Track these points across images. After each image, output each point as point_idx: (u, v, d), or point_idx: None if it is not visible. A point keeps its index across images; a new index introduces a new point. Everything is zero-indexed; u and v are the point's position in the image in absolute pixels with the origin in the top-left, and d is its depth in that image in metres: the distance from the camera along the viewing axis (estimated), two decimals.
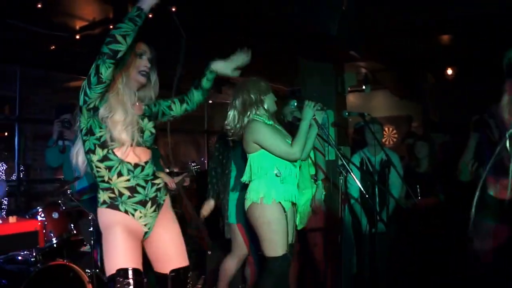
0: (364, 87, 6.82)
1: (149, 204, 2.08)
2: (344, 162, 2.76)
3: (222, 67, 2.41)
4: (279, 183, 2.67)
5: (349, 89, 5.41)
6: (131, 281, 1.90)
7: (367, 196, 3.16)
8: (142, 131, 2.07)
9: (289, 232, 2.69)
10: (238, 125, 2.77)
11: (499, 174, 2.09)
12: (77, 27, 4.79)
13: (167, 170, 4.02)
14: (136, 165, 2.04)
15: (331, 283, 3.61)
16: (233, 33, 4.47)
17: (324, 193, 3.57)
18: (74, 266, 2.88)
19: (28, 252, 2.94)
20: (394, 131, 8.24)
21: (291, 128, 3.03)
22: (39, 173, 6.11)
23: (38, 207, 3.23)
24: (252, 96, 2.75)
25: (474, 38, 4.89)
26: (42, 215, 3.20)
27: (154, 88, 2.22)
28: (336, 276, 3.52)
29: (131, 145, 2.01)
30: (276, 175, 2.66)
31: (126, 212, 2.04)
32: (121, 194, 2.03)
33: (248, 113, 2.75)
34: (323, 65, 5.01)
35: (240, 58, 2.46)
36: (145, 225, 2.09)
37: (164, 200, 2.19)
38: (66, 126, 3.52)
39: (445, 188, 4.15)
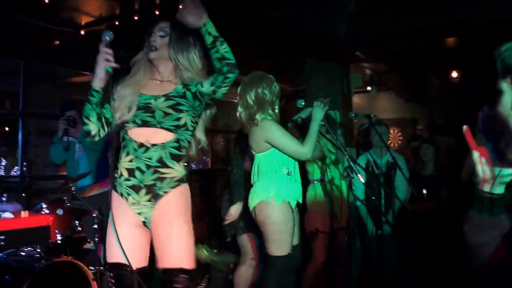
0: (369, 88, 6.81)
1: (143, 191, 1.94)
2: (351, 163, 2.75)
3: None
4: (289, 182, 2.67)
5: (354, 90, 5.40)
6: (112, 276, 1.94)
7: (373, 198, 3.14)
8: (151, 111, 1.97)
9: (295, 231, 2.72)
10: (250, 121, 2.70)
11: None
12: (83, 23, 4.79)
13: None
14: (141, 145, 1.95)
15: (337, 284, 3.60)
16: (236, 33, 4.45)
17: (317, 194, 3.51)
18: (79, 263, 2.84)
19: (32, 249, 2.90)
20: (399, 134, 8.15)
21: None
22: (41, 169, 6.09)
23: (42, 203, 3.22)
24: (266, 92, 2.69)
25: (479, 40, 4.88)
26: (47, 211, 3.18)
27: (191, 68, 2.03)
28: (342, 279, 3.51)
29: (138, 126, 1.97)
30: (288, 174, 2.67)
31: (121, 195, 1.98)
32: (121, 175, 1.98)
33: (264, 110, 2.69)
34: (329, 65, 5.00)
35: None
36: (139, 213, 1.96)
37: (165, 192, 1.96)
38: (71, 124, 3.50)
39: (450, 191, 4.13)
